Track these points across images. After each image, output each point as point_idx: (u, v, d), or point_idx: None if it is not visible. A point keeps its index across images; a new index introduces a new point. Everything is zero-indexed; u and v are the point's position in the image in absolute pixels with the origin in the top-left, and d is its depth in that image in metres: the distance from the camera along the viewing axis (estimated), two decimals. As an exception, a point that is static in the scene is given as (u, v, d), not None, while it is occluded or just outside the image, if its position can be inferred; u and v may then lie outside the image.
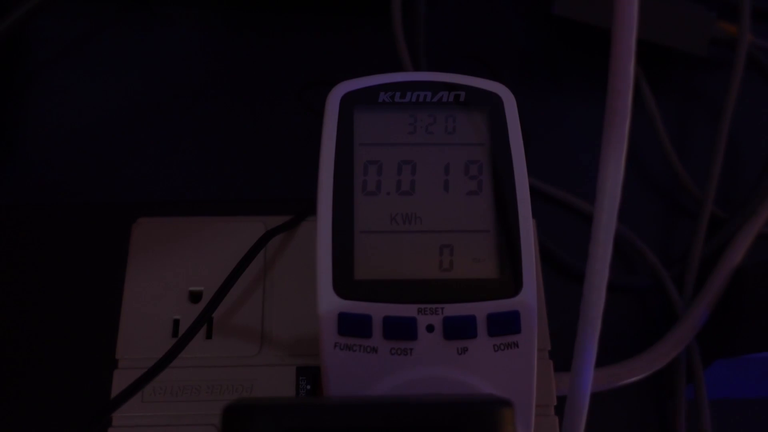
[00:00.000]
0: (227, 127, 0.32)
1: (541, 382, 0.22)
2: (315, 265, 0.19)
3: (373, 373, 0.18)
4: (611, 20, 0.17)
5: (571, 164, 0.32)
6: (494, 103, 0.21)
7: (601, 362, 0.27)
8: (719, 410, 0.28)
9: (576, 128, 0.33)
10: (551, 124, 0.33)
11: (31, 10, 0.30)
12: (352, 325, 0.18)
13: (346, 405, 0.14)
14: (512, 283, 0.19)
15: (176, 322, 0.23)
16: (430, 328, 0.18)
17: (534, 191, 0.32)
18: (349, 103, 0.20)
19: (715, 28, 0.33)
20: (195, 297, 0.24)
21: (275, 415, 0.13)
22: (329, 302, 0.18)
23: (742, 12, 0.33)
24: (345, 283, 0.19)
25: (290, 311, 0.23)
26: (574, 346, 0.19)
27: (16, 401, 0.24)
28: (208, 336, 0.23)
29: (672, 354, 0.27)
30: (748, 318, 0.27)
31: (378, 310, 0.18)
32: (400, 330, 0.18)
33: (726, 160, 0.32)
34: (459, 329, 0.18)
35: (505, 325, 0.18)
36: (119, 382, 0.22)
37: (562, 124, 0.33)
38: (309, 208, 0.24)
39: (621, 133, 0.18)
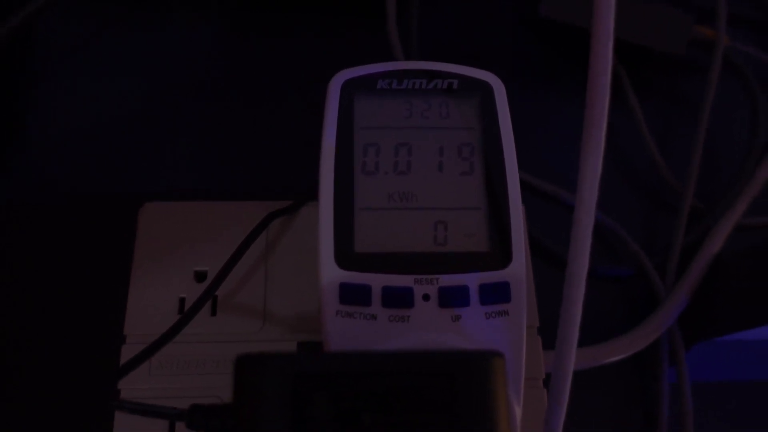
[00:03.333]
0: (229, 126, 0.33)
1: (530, 356, 0.23)
2: (317, 240, 0.20)
3: (372, 339, 0.19)
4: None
5: (558, 159, 0.33)
6: (485, 90, 0.22)
7: (586, 344, 0.28)
8: (701, 392, 0.29)
9: (563, 125, 0.35)
10: (540, 121, 0.35)
11: (35, 11, 0.31)
12: (352, 294, 0.19)
13: (351, 354, 0.15)
14: (502, 256, 0.20)
15: (182, 300, 0.24)
16: (426, 297, 0.20)
17: (524, 185, 0.33)
18: (349, 89, 0.22)
19: (693, 30, 0.34)
20: (200, 276, 0.25)
21: (286, 362, 0.15)
22: (331, 273, 0.20)
23: (718, 17, 0.34)
24: (346, 256, 0.20)
25: (291, 290, 0.24)
26: (559, 320, 0.20)
27: (31, 377, 0.25)
28: (213, 313, 0.24)
29: (653, 335, 0.28)
30: (726, 302, 0.29)
31: (377, 280, 0.20)
32: (398, 298, 0.19)
33: (704, 155, 0.33)
34: (453, 298, 0.19)
35: (496, 294, 0.20)
36: (127, 356, 0.23)
37: (551, 121, 0.35)
38: (309, 194, 0.25)
39: (599, 127, 0.19)
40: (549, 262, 0.31)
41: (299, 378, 0.15)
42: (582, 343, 0.28)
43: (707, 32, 0.35)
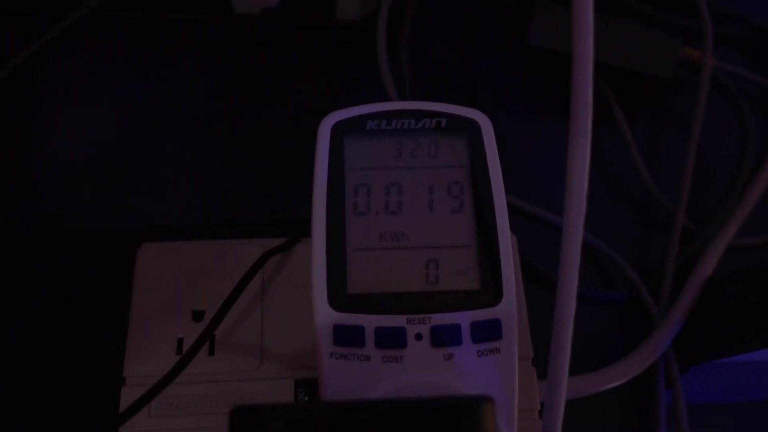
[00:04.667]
0: (224, 155, 0.33)
1: (525, 388, 0.23)
2: (311, 281, 0.20)
3: (366, 380, 0.19)
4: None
5: (548, 183, 0.34)
6: (473, 128, 0.22)
7: (582, 371, 0.29)
8: (697, 415, 0.30)
9: (553, 149, 0.35)
10: (532, 147, 0.35)
11: (35, 52, 0.32)
12: (346, 336, 0.20)
13: (344, 404, 0.15)
14: (493, 293, 0.20)
15: (180, 341, 0.24)
16: (418, 337, 0.20)
17: (515, 209, 0.33)
18: (339, 131, 0.22)
19: (681, 53, 0.35)
20: (198, 316, 0.25)
21: (280, 414, 0.15)
22: (325, 315, 0.20)
23: (704, 39, 0.35)
24: (339, 297, 0.20)
25: (287, 327, 0.25)
26: (550, 349, 0.20)
27: (29, 419, 0.26)
28: (211, 353, 0.24)
29: (649, 360, 0.28)
30: (720, 325, 0.29)
31: (370, 321, 0.20)
32: (391, 339, 0.20)
33: (695, 175, 0.34)
34: (445, 337, 0.20)
35: (488, 332, 0.20)
36: (127, 398, 0.23)
37: (543, 147, 0.35)
38: (303, 230, 0.25)
39: (584, 139, 0.19)
40: (542, 285, 0.31)
41: (293, 430, 0.15)
42: (578, 368, 0.29)
43: (695, 54, 0.35)
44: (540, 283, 0.31)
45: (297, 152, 0.29)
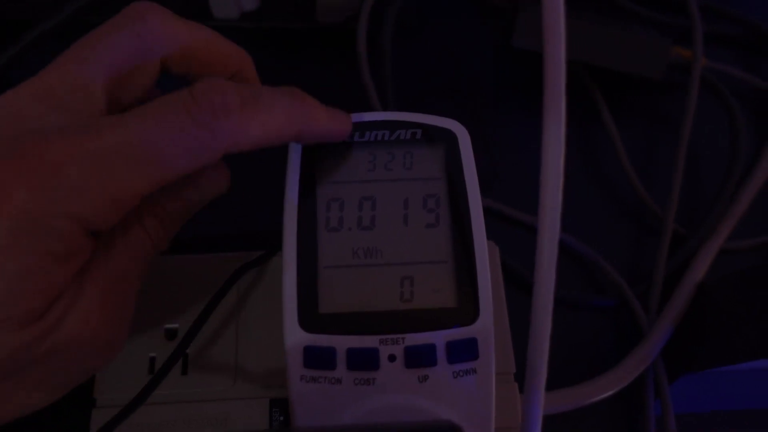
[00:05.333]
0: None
1: (506, 404, 0.23)
2: (281, 300, 0.20)
3: (338, 404, 0.19)
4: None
5: (536, 189, 0.33)
6: (449, 138, 0.22)
7: (570, 381, 0.28)
8: (687, 424, 0.29)
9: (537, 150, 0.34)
10: (519, 150, 0.34)
11: (13, 57, 0.31)
12: (316, 358, 0.19)
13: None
14: (470, 311, 0.20)
15: (152, 360, 0.24)
16: (391, 358, 0.19)
17: (502, 216, 0.33)
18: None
19: (671, 53, 0.34)
20: (170, 334, 0.24)
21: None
22: (295, 336, 0.19)
23: (695, 37, 0.34)
24: (310, 317, 0.19)
25: (263, 344, 0.24)
26: (526, 367, 0.20)
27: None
28: (184, 372, 0.24)
29: (637, 371, 0.28)
30: (711, 333, 0.28)
31: (341, 342, 0.19)
32: (363, 361, 0.19)
33: (685, 178, 0.33)
34: (419, 358, 0.19)
35: (464, 352, 0.19)
36: (97, 420, 0.23)
37: (530, 150, 0.34)
38: (277, 244, 0.25)
39: (558, 137, 0.18)
40: (529, 294, 0.31)
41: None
42: (567, 376, 0.28)
43: (685, 53, 0.34)
44: (527, 291, 0.31)
45: (271, 161, 0.28)
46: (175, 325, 0.24)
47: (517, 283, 0.31)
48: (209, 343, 0.24)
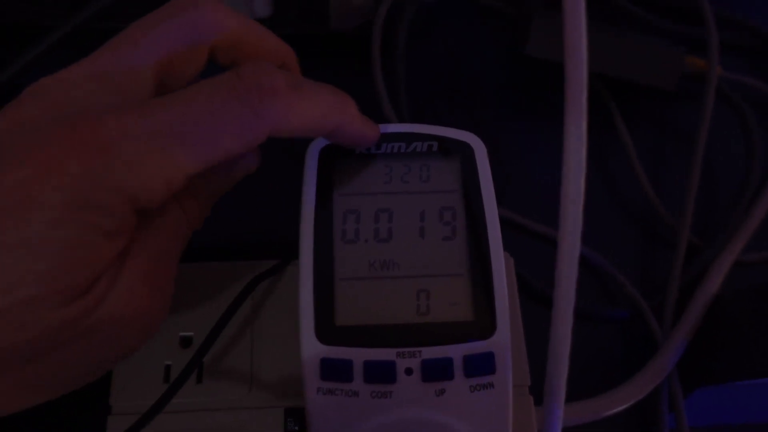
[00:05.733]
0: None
1: (521, 418, 0.23)
2: (298, 312, 0.20)
3: (354, 416, 0.19)
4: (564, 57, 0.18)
5: (549, 197, 0.33)
6: (465, 151, 0.22)
7: (584, 393, 0.28)
8: (702, 437, 0.29)
9: (554, 161, 0.34)
10: (531, 158, 0.34)
11: (26, 64, 0.31)
12: (333, 370, 0.19)
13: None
14: (487, 325, 0.20)
15: (167, 368, 0.24)
16: (408, 371, 0.19)
17: (513, 224, 0.33)
18: (327, 155, 0.22)
19: (684, 63, 0.34)
20: (186, 342, 0.24)
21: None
22: (312, 348, 0.19)
23: (710, 47, 0.34)
24: (327, 330, 0.19)
25: (278, 353, 0.24)
26: (545, 382, 0.20)
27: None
28: (199, 380, 0.24)
29: (652, 384, 0.28)
30: (726, 346, 0.28)
31: (358, 355, 0.19)
32: (380, 374, 0.19)
33: (700, 189, 0.33)
34: (436, 372, 0.19)
35: (481, 366, 0.19)
36: (113, 427, 0.23)
37: (541, 158, 0.34)
38: (292, 253, 0.25)
39: (580, 145, 0.18)
40: (540, 303, 0.31)
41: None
42: (580, 389, 0.28)
43: (699, 63, 0.34)
44: (538, 300, 0.31)
45: (287, 171, 0.28)
46: (190, 334, 0.24)
47: (526, 291, 0.31)
48: (224, 351, 0.24)
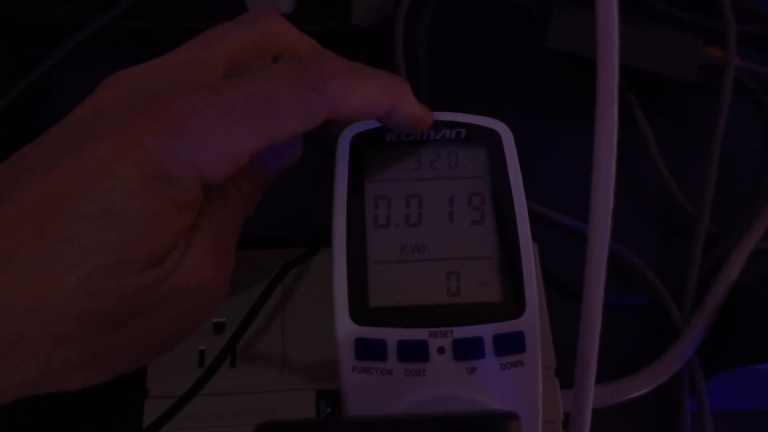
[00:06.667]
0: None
1: (547, 399, 0.23)
2: (332, 294, 0.20)
3: (389, 394, 0.19)
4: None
5: (569, 189, 0.34)
6: (493, 138, 0.22)
7: (605, 378, 0.28)
8: (722, 422, 0.29)
9: (574, 154, 0.35)
10: (551, 151, 0.35)
11: (56, 63, 0.32)
12: (368, 350, 0.20)
13: (366, 422, 0.15)
14: (516, 306, 0.20)
15: (202, 353, 0.24)
16: (441, 350, 0.20)
17: (536, 216, 0.33)
18: (358, 143, 0.22)
19: (702, 54, 0.34)
20: (218, 328, 0.25)
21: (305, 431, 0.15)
22: (346, 329, 0.20)
23: (728, 37, 0.34)
24: (360, 311, 0.20)
25: (308, 338, 0.25)
26: (576, 361, 0.20)
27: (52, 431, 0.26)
28: (232, 365, 0.24)
29: (674, 368, 0.28)
30: (746, 332, 0.28)
31: (392, 335, 0.20)
32: (413, 352, 0.20)
33: (719, 178, 0.33)
34: (468, 350, 0.20)
35: (511, 344, 0.20)
36: (150, 410, 0.23)
37: (561, 151, 0.35)
38: (322, 241, 0.25)
39: (610, 143, 0.19)
40: (562, 293, 0.31)
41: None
42: (601, 375, 0.28)
43: (717, 54, 0.35)
44: (560, 290, 0.31)
45: (315, 163, 0.29)
46: (223, 320, 0.25)
47: (546, 282, 0.31)
48: (256, 336, 0.25)
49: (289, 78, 0.18)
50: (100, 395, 0.26)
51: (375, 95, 0.20)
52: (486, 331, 0.20)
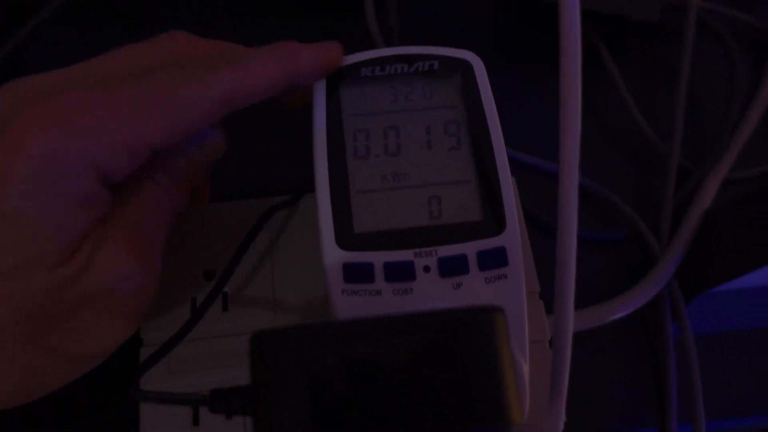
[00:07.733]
0: (225, 122, 0.34)
1: (534, 319, 0.24)
2: (317, 225, 0.21)
3: (380, 312, 0.20)
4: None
5: (542, 132, 0.34)
6: (465, 68, 0.23)
7: (591, 304, 0.29)
8: (704, 344, 0.30)
9: (545, 99, 0.35)
10: (523, 96, 0.36)
11: (29, 34, 0.32)
12: (356, 273, 0.20)
13: (360, 321, 0.16)
14: (496, 223, 0.21)
15: (194, 300, 0.25)
16: (426, 269, 0.20)
17: (511, 161, 0.34)
18: (334, 80, 0.23)
19: (665, -5, 0.35)
20: (209, 275, 0.25)
21: (299, 335, 0.15)
22: (333, 255, 0.20)
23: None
24: (346, 237, 0.21)
25: (298, 278, 0.25)
26: (554, 283, 0.21)
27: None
28: (225, 308, 0.25)
29: (653, 291, 0.29)
30: (719, 253, 0.29)
31: (378, 257, 0.20)
32: (400, 272, 0.20)
33: (687, 115, 0.34)
34: (453, 267, 0.20)
35: (494, 259, 0.20)
36: (145, 357, 0.24)
37: (532, 97, 0.36)
38: (306, 187, 0.26)
39: (575, 86, 0.19)
40: (541, 231, 0.32)
41: (312, 350, 0.15)
42: (585, 305, 0.29)
43: (679, -5, 0.36)
44: (539, 229, 0.32)
45: (293, 116, 0.29)
46: (214, 268, 0.25)
47: (526, 221, 0.32)
48: (247, 282, 0.25)
49: (176, 72, 0.19)
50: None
51: (266, 69, 0.20)
52: (469, 249, 0.21)
